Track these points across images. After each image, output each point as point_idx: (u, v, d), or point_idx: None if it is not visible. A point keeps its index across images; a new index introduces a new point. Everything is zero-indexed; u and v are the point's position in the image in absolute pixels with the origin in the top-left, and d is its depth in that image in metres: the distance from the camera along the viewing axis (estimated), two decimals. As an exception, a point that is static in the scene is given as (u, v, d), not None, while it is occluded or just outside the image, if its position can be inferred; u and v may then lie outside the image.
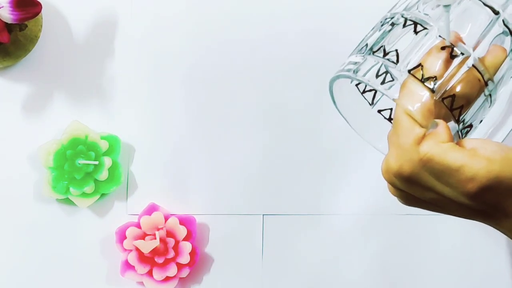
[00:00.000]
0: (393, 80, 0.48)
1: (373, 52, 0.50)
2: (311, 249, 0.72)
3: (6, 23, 0.67)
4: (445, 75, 0.49)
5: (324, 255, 0.72)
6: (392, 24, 0.51)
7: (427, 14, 0.50)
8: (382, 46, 0.50)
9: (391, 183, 0.51)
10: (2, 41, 0.67)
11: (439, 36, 0.49)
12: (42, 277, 0.72)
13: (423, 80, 0.48)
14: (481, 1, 0.50)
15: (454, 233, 0.72)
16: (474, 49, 0.49)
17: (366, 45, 0.51)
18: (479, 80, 0.50)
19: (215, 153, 0.72)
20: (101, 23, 0.73)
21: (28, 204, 0.72)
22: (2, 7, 0.66)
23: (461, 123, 0.50)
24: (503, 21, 0.50)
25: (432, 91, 0.48)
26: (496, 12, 0.50)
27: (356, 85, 0.56)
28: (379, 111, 0.57)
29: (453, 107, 0.49)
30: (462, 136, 0.51)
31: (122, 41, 0.73)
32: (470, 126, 0.51)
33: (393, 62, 0.48)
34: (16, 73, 0.73)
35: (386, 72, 0.48)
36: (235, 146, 0.72)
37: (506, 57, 0.50)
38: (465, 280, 0.71)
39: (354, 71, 0.49)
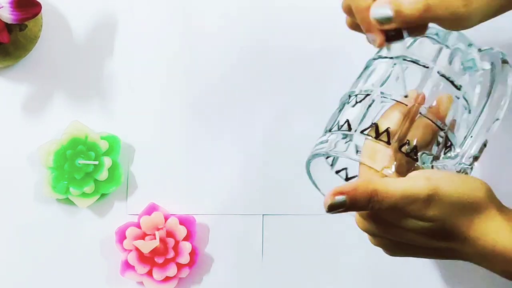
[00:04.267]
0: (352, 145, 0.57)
1: (330, 130, 0.59)
2: (311, 249, 0.72)
3: (6, 23, 0.67)
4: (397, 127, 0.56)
5: (324, 255, 0.72)
6: (343, 104, 0.60)
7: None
8: (336, 122, 0.59)
9: (364, 229, 0.56)
10: (2, 41, 0.67)
11: (382, 96, 0.57)
12: (42, 277, 0.72)
13: (376, 137, 0.56)
14: (415, 62, 0.59)
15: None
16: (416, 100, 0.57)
17: (331, 125, 0.60)
18: (431, 124, 0.57)
19: (215, 153, 0.72)
20: (101, 23, 0.73)
21: (28, 204, 0.72)
22: (2, 7, 0.66)
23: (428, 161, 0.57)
24: (438, 72, 0.59)
25: (387, 142, 0.55)
26: (427, 67, 0.59)
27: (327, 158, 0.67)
28: (337, 172, 0.66)
29: (409, 151, 0.56)
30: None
31: (122, 41, 0.73)
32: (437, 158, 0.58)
33: (346, 130, 0.57)
34: (16, 73, 0.73)
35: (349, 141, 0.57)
36: (235, 146, 0.72)
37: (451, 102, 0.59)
38: (465, 280, 0.71)
39: (322, 149, 0.57)
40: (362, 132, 0.56)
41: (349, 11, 0.55)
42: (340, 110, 0.60)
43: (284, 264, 0.72)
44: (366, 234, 0.58)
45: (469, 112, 0.60)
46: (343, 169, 0.67)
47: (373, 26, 0.53)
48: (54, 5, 0.73)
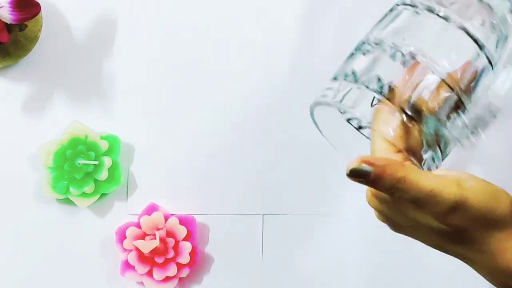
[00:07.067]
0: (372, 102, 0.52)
1: (336, 78, 0.53)
2: (311, 249, 0.72)
3: (6, 23, 0.67)
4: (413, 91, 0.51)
5: (324, 255, 0.72)
6: (357, 50, 0.54)
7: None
8: (344, 71, 0.53)
9: (375, 207, 0.53)
10: (2, 41, 0.67)
11: (410, 54, 0.52)
12: (42, 277, 0.72)
13: (388, 98, 0.51)
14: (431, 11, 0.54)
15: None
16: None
17: (345, 72, 0.54)
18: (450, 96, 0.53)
19: (215, 153, 0.72)
20: (101, 23, 0.73)
21: (28, 204, 0.72)
22: (2, 7, 0.66)
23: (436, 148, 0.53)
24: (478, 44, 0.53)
25: (404, 112, 0.51)
26: (479, 44, 0.53)
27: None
28: (348, 120, 0.59)
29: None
30: (437, 156, 0.53)
31: (122, 41, 0.73)
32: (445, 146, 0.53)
33: (352, 81, 0.52)
34: (16, 73, 0.73)
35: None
36: (235, 146, 0.72)
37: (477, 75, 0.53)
38: (466, 279, 0.71)
39: (332, 97, 0.52)
40: (367, 87, 0.52)
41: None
42: (350, 57, 0.56)
43: (284, 264, 0.72)
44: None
45: (492, 68, 0.54)
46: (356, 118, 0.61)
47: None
48: (54, 5, 0.73)
